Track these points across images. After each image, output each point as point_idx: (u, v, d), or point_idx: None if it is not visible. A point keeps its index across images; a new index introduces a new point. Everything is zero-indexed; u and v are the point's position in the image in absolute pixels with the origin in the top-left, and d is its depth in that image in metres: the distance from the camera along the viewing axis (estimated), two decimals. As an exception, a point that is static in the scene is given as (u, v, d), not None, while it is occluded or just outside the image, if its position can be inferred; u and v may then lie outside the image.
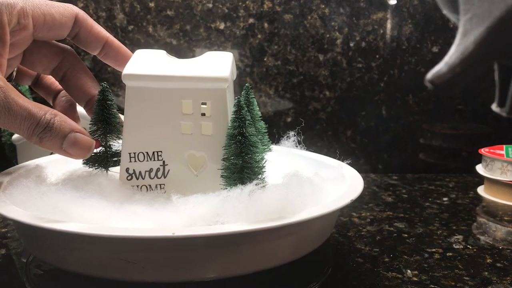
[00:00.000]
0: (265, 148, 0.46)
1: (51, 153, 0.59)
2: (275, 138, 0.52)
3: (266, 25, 0.75)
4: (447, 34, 0.77)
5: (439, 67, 0.19)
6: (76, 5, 0.74)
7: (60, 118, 0.36)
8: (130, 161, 0.40)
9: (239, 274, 0.34)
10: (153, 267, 0.32)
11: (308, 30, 0.76)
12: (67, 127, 0.37)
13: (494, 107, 0.21)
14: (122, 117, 0.40)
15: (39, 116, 0.35)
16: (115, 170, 0.42)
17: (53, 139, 0.36)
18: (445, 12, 0.23)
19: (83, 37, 0.41)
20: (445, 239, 0.49)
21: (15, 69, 0.42)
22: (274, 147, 0.49)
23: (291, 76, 0.77)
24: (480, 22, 0.18)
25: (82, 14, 0.41)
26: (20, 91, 0.58)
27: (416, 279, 0.40)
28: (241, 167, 0.37)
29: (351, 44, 0.77)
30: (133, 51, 0.43)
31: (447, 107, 0.80)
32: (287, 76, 0.77)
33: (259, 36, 0.75)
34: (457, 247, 0.47)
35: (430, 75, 0.19)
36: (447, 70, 0.19)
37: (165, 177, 0.40)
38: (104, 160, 0.42)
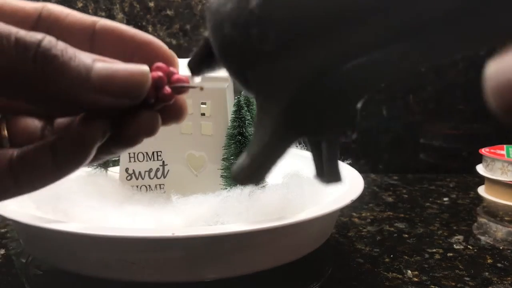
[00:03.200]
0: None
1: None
2: (275, 138, 0.52)
3: (266, 25, 0.75)
4: (448, 34, 0.77)
5: (242, 160, 0.17)
6: (75, 5, 0.75)
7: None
8: (130, 161, 0.40)
9: (239, 274, 0.34)
10: (153, 267, 0.32)
11: (308, 30, 0.75)
12: (90, 56, 0.18)
13: (314, 177, 0.20)
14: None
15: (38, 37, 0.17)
16: (115, 170, 0.42)
17: (70, 64, 0.18)
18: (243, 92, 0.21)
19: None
20: (446, 239, 0.49)
21: None
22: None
23: (291, 76, 0.77)
24: (274, 103, 0.16)
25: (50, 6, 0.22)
26: None
27: (416, 279, 0.40)
28: (241, 167, 0.37)
29: (351, 44, 0.76)
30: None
31: (448, 107, 0.80)
32: (287, 76, 0.77)
33: (259, 36, 0.75)
34: (458, 247, 0.47)
35: (234, 169, 0.17)
36: (250, 162, 0.17)
37: (164, 177, 0.40)
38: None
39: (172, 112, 0.21)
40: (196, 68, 0.21)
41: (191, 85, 0.20)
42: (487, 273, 0.41)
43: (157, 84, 0.19)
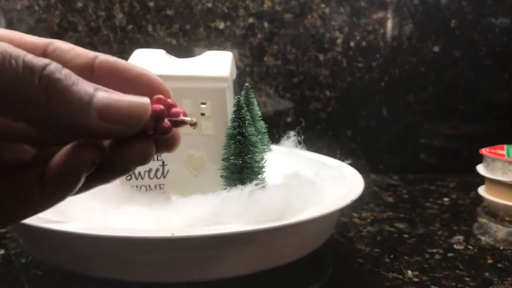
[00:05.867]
0: (265, 148, 0.46)
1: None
2: (275, 138, 0.52)
3: (266, 24, 0.75)
4: (448, 33, 0.77)
5: None
6: (75, 5, 0.75)
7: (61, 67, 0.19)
8: (130, 161, 0.40)
9: (239, 274, 0.34)
10: (153, 267, 0.32)
11: (308, 29, 0.76)
12: (92, 85, 0.19)
13: None
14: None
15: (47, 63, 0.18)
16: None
17: (73, 92, 0.18)
18: None
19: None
20: (446, 240, 0.49)
21: None
22: (274, 147, 0.49)
23: (291, 76, 0.77)
24: None
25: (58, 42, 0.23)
26: None
27: (417, 279, 0.40)
28: (240, 167, 0.37)
29: (352, 44, 0.76)
30: (132, 51, 0.43)
31: (448, 107, 0.80)
32: (287, 76, 0.77)
33: (259, 35, 0.75)
34: (458, 247, 0.47)
35: None
36: None
37: (164, 177, 0.40)
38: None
39: (165, 142, 0.21)
40: None
41: (190, 120, 0.21)
42: (487, 274, 0.41)
43: (158, 116, 0.19)
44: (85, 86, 0.18)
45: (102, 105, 0.18)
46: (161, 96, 0.20)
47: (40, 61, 0.17)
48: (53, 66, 0.18)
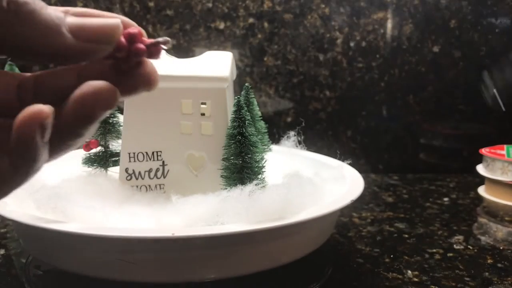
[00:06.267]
0: (265, 148, 0.46)
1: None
2: (275, 138, 0.52)
3: (266, 24, 0.75)
4: (448, 33, 0.77)
5: None
6: (75, 4, 0.75)
7: None
8: (130, 161, 0.40)
9: (239, 274, 0.34)
10: (153, 267, 0.32)
11: (308, 29, 0.76)
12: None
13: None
14: (121, 117, 0.40)
15: None
16: (114, 170, 0.42)
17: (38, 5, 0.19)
18: None
19: None
20: (446, 240, 0.49)
21: None
22: (274, 147, 0.49)
23: (291, 76, 0.77)
24: None
25: None
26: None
27: (416, 279, 0.40)
28: (241, 167, 0.37)
29: (352, 44, 0.76)
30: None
31: (448, 107, 0.80)
32: (287, 76, 0.77)
33: (259, 36, 0.75)
34: (458, 247, 0.47)
35: None
36: None
37: (164, 177, 0.40)
38: (103, 160, 0.42)
39: (143, 77, 0.20)
40: None
41: (163, 39, 0.20)
42: (487, 273, 0.41)
43: (131, 36, 0.19)
44: (54, 9, 0.19)
45: (74, 24, 0.19)
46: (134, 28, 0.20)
47: None
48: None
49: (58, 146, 0.19)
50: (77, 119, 0.19)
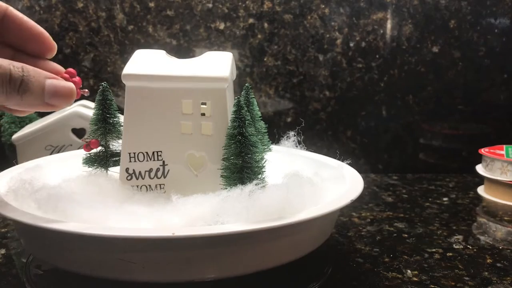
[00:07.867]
0: (265, 148, 0.46)
1: (51, 153, 0.59)
2: (275, 138, 0.52)
3: (266, 25, 0.75)
4: (447, 34, 0.77)
5: None
6: (76, 5, 0.75)
7: (29, 67, 0.31)
8: (130, 161, 0.40)
9: (239, 274, 0.34)
10: (153, 267, 0.32)
11: (308, 30, 0.76)
12: (42, 74, 0.32)
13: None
14: (122, 117, 0.40)
15: (8, 68, 0.30)
16: (115, 170, 0.42)
17: (35, 90, 0.31)
18: None
19: None
20: (445, 239, 0.49)
21: None
22: (274, 147, 0.49)
23: (291, 76, 0.77)
24: None
25: None
26: None
27: (416, 279, 0.40)
28: (241, 167, 0.37)
29: (351, 44, 0.77)
30: (133, 51, 0.43)
31: (447, 107, 0.80)
32: (287, 76, 0.77)
33: (259, 36, 0.75)
34: (457, 247, 0.47)
35: None
36: None
37: (165, 177, 0.40)
38: (104, 160, 0.42)
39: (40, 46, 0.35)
40: None
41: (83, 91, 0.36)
42: (486, 273, 0.41)
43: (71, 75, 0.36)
44: (41, 79, 0.32)
45: (50, 94, 0.32)
46: (68, 71, 0.36)
47: (17, 73, 0.30)
48: (32, 78, 0.31)
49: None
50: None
